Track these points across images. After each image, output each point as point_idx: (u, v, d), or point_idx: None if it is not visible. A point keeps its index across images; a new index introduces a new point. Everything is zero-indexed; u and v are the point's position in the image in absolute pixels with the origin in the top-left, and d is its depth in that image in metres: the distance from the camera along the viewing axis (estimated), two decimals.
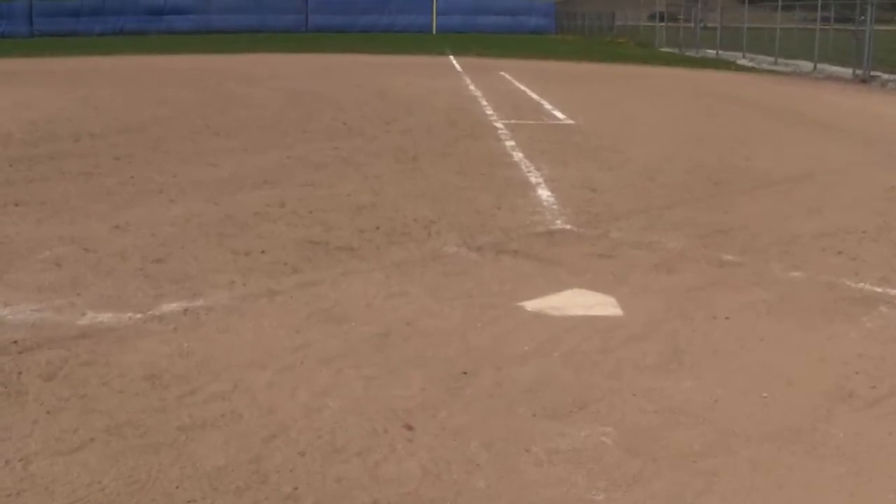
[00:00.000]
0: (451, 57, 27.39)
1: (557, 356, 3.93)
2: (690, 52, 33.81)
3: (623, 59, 28.34)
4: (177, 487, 2.81)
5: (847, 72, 21.96)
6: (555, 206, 6.90)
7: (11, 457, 2.96)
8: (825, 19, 24.59)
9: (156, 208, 6.55)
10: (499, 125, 11.70)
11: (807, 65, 24.40)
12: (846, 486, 2.93)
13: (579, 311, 4.52)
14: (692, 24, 32.06)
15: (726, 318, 4.48)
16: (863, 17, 21.38)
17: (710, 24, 34.82)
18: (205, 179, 7.69)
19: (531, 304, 4.59)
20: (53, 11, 42.56)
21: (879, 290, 5.00)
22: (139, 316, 4.25)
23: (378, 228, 6.06)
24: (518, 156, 9.24)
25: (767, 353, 4.04)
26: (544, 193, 7.37)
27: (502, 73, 21.26)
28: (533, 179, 7.97)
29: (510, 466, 2.99)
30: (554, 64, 25.75)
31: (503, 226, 6.25)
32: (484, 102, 14.52)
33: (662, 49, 37.04)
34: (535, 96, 15.86)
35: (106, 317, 4.21)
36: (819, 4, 24.99)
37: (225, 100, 14.38)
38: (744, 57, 29.00)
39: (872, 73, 20.93)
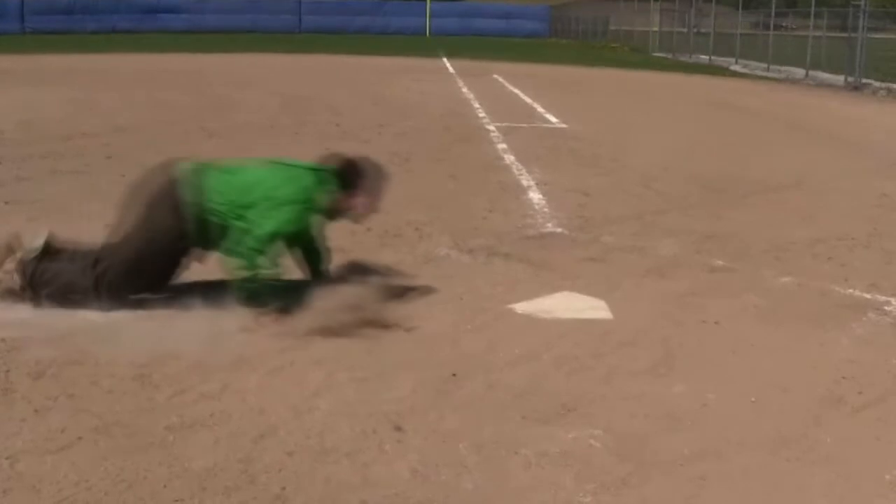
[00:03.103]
0: (445, 59, 27.41)
1: (548, 359, 3.93)
2: (684, 58, 33.89)
3: (617, 64, 28.39)
4: (164, 487, 2.80)
5: (839, 79, 22.04)
6: (546, 210, 6.90)
7: None
8: (818, 26, 24.70)
9: None
10: (491, 128, 11.71)
11: (799, 71, 24.48)
12: (835, 492, 2.94)
13: (570, 315, 4.52)
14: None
15: (717, 323, 4.49)
16: (855, 25, 21.47)
17: (703, 30, 34.91)
18: None
19: (522, 308, 4.59)
20: (45, 9, 42.35)
21: (868, 296, 5.02)
22: (130, 315, 4.23)
23: (370, 230, 6.05)
24: (510, 159, 9.25)
25: (758, 359, 4.05)
26: (536, 197, 7.38)
27: (495, 76, 21.28)
28: (525, 183, 7.98)
29: (498, 469, 2.99)
30: (547, 68, 25.78)
31: (495, 229, 6.25)
32: (477, 105, 14.53)
33: (656, 54, 37.13)
34: (528, 100, 15.88)
35: (96, 315, 4.19)
36: (812, 12, 25.09)
37: (218, 100, 14.35)
38: (736, 63, 29.09)
39: (864, 81, 21.01)
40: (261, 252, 4.16)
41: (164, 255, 4.32)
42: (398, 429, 3.24)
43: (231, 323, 4.11)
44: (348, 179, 4.39)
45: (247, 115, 12.47)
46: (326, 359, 3.83)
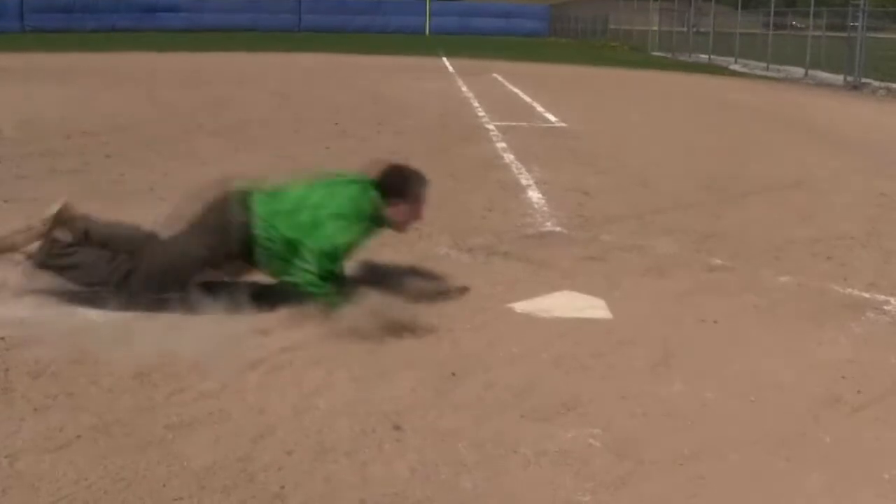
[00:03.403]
0: (445, 59, 27.40)
1: (547, 358, 3.93)
2: (683, 57, 33.89)
3: (616, 63, 28.39)
4: (164, 486, 2.80)
5: (838, 78, 22.04)
6: (546, 209, 6.90)
7: None
8: (817, 26, 24.71)
9: (146, 206, 6.51)
10: (491, 127, 11.71)
11: (798, 71, 24.48)
12: (834, 491, 2.94)
13: (569, 314, 4.52)
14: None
15: (716, 322, 4.49)
16: (855, 24, 21.48)
17: (702, 29, 34.92)
18: (195, 178, 7.64)
19: (521, 307, 4.59)
20: (45, 7, 42.32)
21: (867, 295, 5.03)
22: (129, 314, 4.23)
23: None
24: (510, 158, 9.25)
25: (757, 358, 4.05)
26: (535, 196, 7.38)
27: (495, 75, 21.28)
28: (524, 182, 7.98)
29: (498, 467, 3.00)
30: (547, 67, 25.77)
31: (494, 228, 6.25)
32: (476, 104, 14.53)
33: (655, 53, 37.13)
34: (527, 99, 15.87)
35: (95, 314, 4.19)
36: (811, 11, 25.10)
37: (217, 99, 14.34)
38: (736, 62, 29.09)
39: (863, 80, 21.02)
40: (332, 267, 4.20)
41: (206, 269, 4.32)
42: (397, 428, 3.24)
43: (232, 324, 4.11)
44: (400, 188, 4.42)
45: (246, 114, 12.47)
46: (325, 358, 3.83)
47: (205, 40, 33.13)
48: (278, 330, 4.09)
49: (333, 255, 4.22)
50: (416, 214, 4.51)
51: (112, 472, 2.87)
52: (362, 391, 3.54)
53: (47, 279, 4.51)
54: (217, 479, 2.85)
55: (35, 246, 4.36)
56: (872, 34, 22.57)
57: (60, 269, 4.30)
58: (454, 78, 20.48)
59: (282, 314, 4.22)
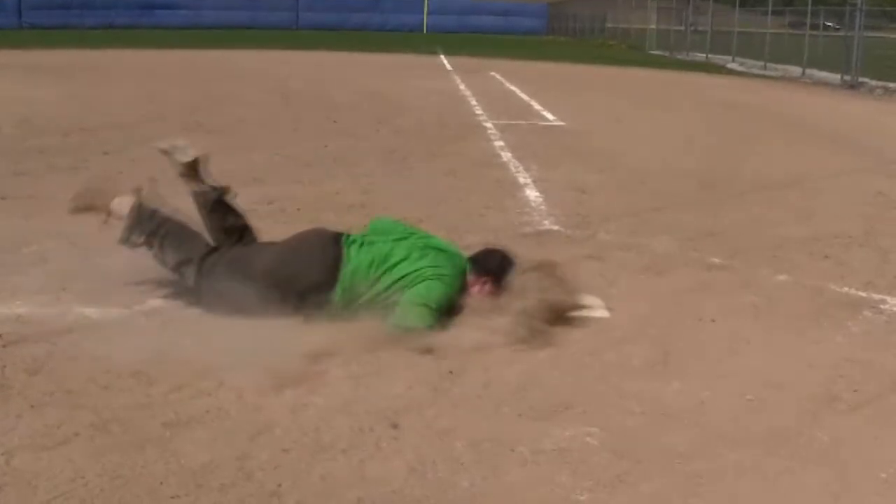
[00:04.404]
0: (443, 57, 27.37)
1: (544, 357, 3.93)
2: (681, 56, 33.90)
3: (614, 62, 28.38)
4: (161, 483, 2.80)
5: (835, 77, 22.05)
6: (543, 207, 6.90)
7: None
8: (814, 25, 24.72)
9: None
10: (488, 125, 11.70)
11: (795, 70, 24.49)
12: (831, 490, 2.94)
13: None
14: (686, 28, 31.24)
15: (714, 321, 4.49)
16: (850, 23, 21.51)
17: (700, 28, 34.93)
18: None
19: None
20: (43, 3, 42.25)
21: (864, 294, 5.03)
22: (126, 311, 4.23)
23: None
24: (507, 156, 9.25)
25: (754, 357, 4.06)
26: (533, 194, 7.38)
27: (493, 73, 21.26)
28: (522, 180, 7.98)
29: (495, 466, 3.00)
30: (545, 65, 25.75)
31: (492, 226, 6.25)
32: (474, 103, 14.51)
33: (652, 52, 37.12)
34: (525, 97, 15.86)
35: (92, 312, 4.19)
36: (809, 10, 25.10)
37: (215, 97, 14.32)
38: (733, 61, 29.09)
39: (860, 80, 21.03)
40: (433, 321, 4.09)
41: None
42: (395, 426, 3.23)
43: (229, 321, 4.10)
44: (495, 269, 4.36)
45: (244, 112, 12.46)
46: (322, 355, 3.82)
47: (203, 38, 33.06)
48: (277, 328, 4.08)
49: (435, 312, 4.10)
50: (495, 292, 4.35)
51: (109, 469, 2.86)
52: (359, 389, 3.54)
53: (42, 278, 4.51)
54: (214, 476, 2.85)
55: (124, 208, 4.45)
56: (869, 33, 22.58)
57: (149, 234, 4.36)
58: (452, 76, 20.47)
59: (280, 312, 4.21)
